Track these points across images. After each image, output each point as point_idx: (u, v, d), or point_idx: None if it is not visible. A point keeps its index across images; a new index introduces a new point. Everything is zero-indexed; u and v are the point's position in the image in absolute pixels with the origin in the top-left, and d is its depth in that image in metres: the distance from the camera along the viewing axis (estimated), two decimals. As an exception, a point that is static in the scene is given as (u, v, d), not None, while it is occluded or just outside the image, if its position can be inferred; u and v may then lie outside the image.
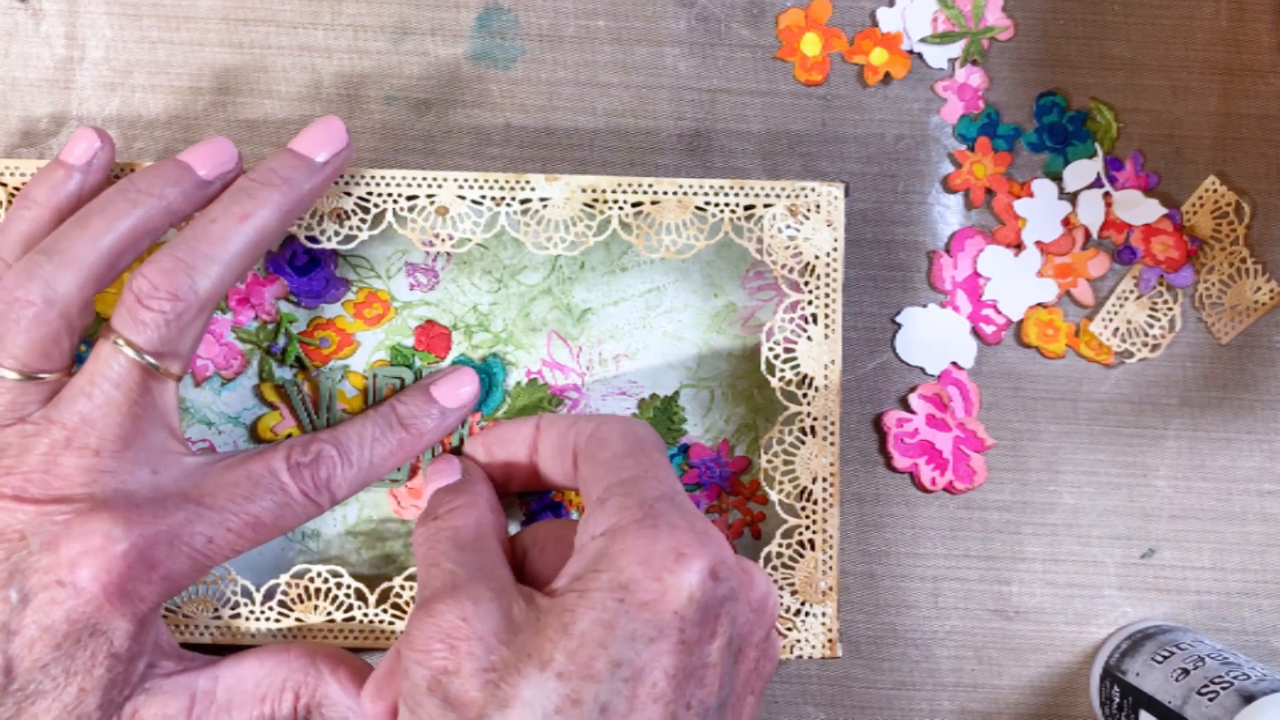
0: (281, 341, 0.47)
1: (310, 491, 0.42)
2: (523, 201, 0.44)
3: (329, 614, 0.45)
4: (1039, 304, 0.49)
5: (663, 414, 0.48)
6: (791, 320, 0.45)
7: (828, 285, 0.45)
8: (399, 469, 0.46)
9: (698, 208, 0.45)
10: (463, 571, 0.39)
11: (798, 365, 0.45)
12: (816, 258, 0.45)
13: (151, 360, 0.40)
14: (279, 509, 0.42)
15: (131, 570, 0.38)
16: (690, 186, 0.44)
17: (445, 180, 0.44)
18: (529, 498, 0.48)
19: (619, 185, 0.44)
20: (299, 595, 0.45)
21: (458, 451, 0.46)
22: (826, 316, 0.45)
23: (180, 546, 0.40)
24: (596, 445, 0.41)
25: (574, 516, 0.48)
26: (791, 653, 0.45)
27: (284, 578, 0.45)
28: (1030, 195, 0.49)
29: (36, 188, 0.43)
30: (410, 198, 0.44)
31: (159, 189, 0.42)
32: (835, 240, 0.45)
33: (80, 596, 0.38)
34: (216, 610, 0.45)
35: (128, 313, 0.40)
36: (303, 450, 0.43)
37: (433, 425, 0.45)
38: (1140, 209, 0.49)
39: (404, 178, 0.44)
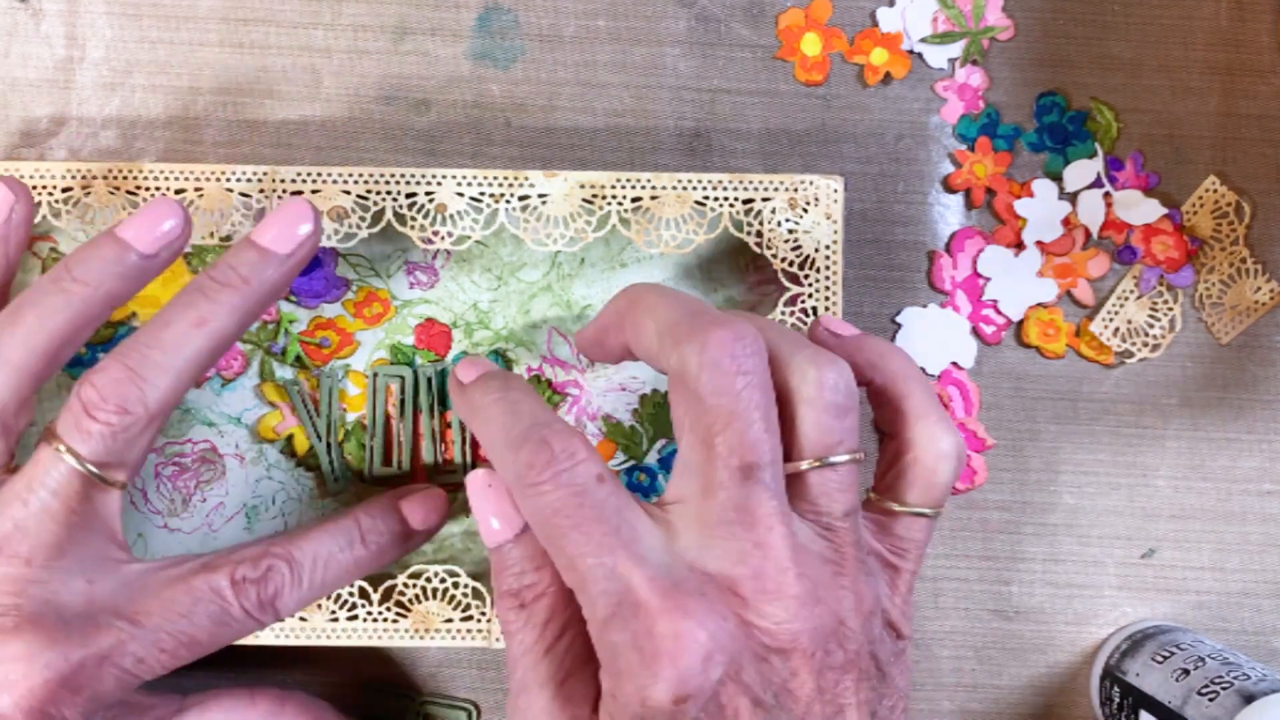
0: (282, 341, 0.47)
1: (253, 610, 0.40)
2: (522, 198, 0.45)
3: (332, 613, 0.45)
4: (1039, 304, 0.49)
5: (663, 410, 0.47)
6: (792, 313, 0.45)
7: (828, 278, 0.45)
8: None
9: (697, 202, 0.45)
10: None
11: (797, 363, 0.45)
12: (816, 251, 0.45)
13: (95, 470, 0.38)
14: (216, 626, 0.40)
15: (54, 696, 0.37)
16: (689, 181, 0.44)
17: (444, 178, 0.44)
18: None
19: (618, 181, 0.44)
20: (298, 593, 0.45)
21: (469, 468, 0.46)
22: (827, 309, 0.45)
23: (108, 669, 0.38)
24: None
25: None
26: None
27: (283, 576, 0.45)
28: (1030, 195, 0.49)
29: None
30: (409, 196, 0.44)
31: (95, 277, 0.39)
32: (835, 233, 0.45)
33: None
34: (215, 608, 0.45)
35: (73, 420, 0.38)
36: (252, 566, 0.41)
37: (390, 543, 0.43)
38: (1140, 209, 0.49)
39: (403, 176, 0.44)
